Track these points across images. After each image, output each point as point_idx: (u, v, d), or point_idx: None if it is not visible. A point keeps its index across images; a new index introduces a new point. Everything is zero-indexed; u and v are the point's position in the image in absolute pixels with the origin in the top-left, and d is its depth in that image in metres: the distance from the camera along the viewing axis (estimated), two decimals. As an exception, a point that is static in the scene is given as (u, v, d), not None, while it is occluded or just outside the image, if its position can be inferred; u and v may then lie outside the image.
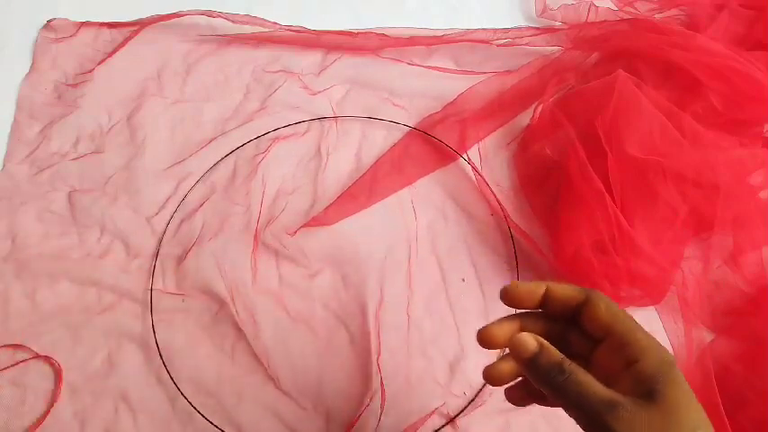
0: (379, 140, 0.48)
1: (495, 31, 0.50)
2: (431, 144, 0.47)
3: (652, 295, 0.41)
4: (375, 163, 0.46)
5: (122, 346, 0.39)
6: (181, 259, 0.42)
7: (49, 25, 0.51)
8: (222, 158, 0.46)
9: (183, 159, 0.46)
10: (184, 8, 0.51)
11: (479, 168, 0.46)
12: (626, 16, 0.51)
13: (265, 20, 0.50)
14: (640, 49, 0.48)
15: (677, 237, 0.42)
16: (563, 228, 0.42)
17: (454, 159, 0.47)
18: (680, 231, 0.42)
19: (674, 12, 0.52)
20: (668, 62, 0.47)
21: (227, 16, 0.50)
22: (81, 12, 0.52)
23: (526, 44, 0.50)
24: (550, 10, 0.52)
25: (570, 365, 0.24)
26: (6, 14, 0.52)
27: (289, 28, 0.51)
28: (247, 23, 0.50)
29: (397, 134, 0.48)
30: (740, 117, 0.45)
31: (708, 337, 0.42)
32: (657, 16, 0.52)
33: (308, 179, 0.46)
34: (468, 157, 0.46)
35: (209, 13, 0.50)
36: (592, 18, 0.51)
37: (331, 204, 0.44)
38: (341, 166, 0.47)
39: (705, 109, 0.45)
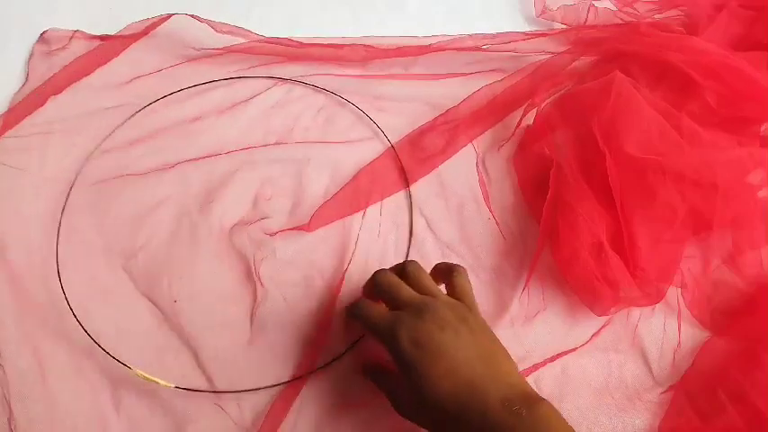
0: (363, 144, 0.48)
1: (484, 36, 0.50)
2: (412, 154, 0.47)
3: (651, 295, 0.41)
4: (357, 173, 0.46)
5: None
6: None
7: (42, 38, 0.50)
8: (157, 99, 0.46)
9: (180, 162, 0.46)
10: (179, 11, 0.50)
11: (481, 174, 0.47)
12: (625, 17, 0.51)
13: (250, 31, 0.49)
14: (633, 52, 0.48)
15: (676, 236, 0.42)
16: (560, 229, 0.42)
17: (426, 174, 0.47)
18: (679, 231, 0.42)
19: (673, 12, 0.52)
20: (662, 63, 0.47)
21: (210, 23, 0.49)
22: (77, 21, 0.51)
23: (513, 50, 0.50)
24: (550, 10, 0.52)
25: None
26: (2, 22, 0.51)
27: (274, 40, 0.49)
28: (229, 33, 0.49)
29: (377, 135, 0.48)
30: (736, 114, 0.45)
31: (706, 336, 0.42)
32: (657, 16, 0.51)
33: (290, 181, 0.46)
34: (410, 193, 0.46)
35: (196, 18, 0.49)
36: (591, 18, 0.51)
37: (315, 213, 0.44)
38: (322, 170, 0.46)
39: (701, 108, 0.45)
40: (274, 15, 0.53)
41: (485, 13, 0.54)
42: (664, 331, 0.42)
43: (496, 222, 0.45)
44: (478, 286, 0.42)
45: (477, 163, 0.47)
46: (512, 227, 0.45)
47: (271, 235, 0.43)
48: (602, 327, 0.42)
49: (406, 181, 0.46)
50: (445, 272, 0.37)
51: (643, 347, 0.41)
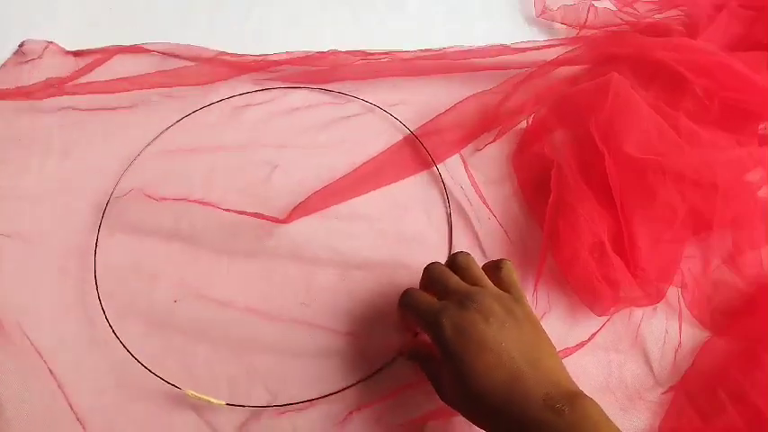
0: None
1: (471, 50, 0.49)
2: (410, 151, 0.47)
3: (651, 295, 0.41)
4: (359, 167, 0.46)
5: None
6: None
7: (20, 51, 0.49)
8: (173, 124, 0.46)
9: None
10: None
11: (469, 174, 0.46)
12: (625, 17, 0.51)
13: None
14: (624, 54, 0.48)
15: (676, 236, 0.42)
16: (561, 230, 0.42)
17: (429, 168, 0.47)
18: (679, 231, 0.42)
19: (673, 12, 0.51)
20: (653, 63, 0.47)
21: (187, 53, 0.48)
22: (78, 21, 0.51)
23: (503, 66, 0.49)
24: (550, 10, 0.52)
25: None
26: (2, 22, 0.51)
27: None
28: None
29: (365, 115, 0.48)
30: (730, 107, 0.45)
31: (707, 336, 0.42)
32: (657, 16, 0.51)
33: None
34: (439, 172, 0.46)
35: (172, 51, 0.48)
36: (591, 18, 0.51)
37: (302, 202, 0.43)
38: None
39: (695, 106, 0.45)
40: (274, 15, 0.53)
41: (485, 12, 0.54)
42: (665, 331, 0.42)
43: (498, 222, 0.45)
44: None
45: (464, 167, 0.47)
46: (513, 227, 0.45)
47: (239, 213, 0.42)
48: (603, 325, 0.42)
49: (429, 164, 0.46)
50: (492, 268, 0.37)
51: (644, 347, 0.41)
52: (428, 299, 0.35)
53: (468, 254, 0.37)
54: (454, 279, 0.35)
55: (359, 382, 0.39)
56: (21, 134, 0.46)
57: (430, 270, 0.36)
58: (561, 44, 0.50)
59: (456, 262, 0.36)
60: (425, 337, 0.37)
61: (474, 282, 0.35)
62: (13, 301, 0.40)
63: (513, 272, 0.36)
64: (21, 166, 0.44)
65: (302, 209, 0.43)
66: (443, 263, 0.37)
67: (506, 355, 0.31)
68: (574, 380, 0.40)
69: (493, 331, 0.31)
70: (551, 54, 0.49)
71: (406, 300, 0.36)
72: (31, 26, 0.50)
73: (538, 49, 0.49)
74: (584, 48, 0.49)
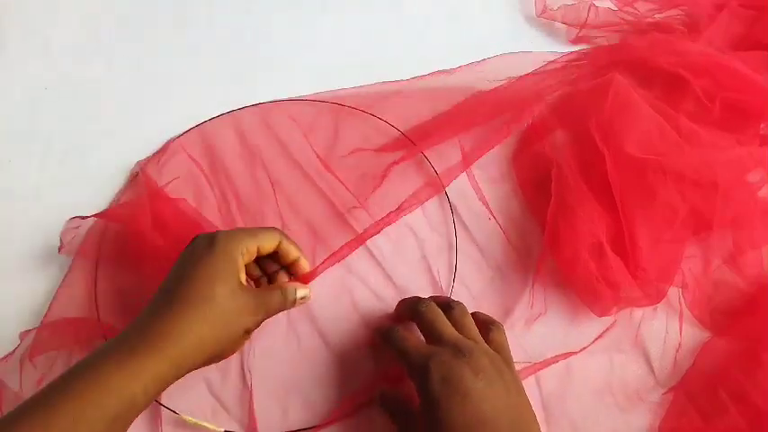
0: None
1: (450, 72, 0.49)
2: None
3: (651, 296, 0.41)
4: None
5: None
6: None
7: None
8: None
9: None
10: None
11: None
12: (626, 16, 0.51)
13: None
14: (622, 59, 0.48)
15: (677, 236, 0.42)
16: (561, 230, 0.42)
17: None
18: (679, 231, 0.42)
19: (674, 12, 0.51)
20: (651, 67, 0.47)
21: None
22: (78, 21, 0.51)
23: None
24: (550, 10, 0.52)
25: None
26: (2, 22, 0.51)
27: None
28: None
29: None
30: (730, 107, 0.45)
31: (707, 336, 0.42)
32: (657, 16, 0.51)
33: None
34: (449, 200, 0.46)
35: None
36: (591, 18, 0.51)
37: None
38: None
39: (696, 106, 0.45)
40: (275, 15, 0.53)
41: (485, 12, 0.54)
42: (666, 332, 0.42)
43: (498, 223, 0.45)
44: (482, 285, 0.43)
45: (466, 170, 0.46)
46: (513, 227, 0.45)
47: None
48: (607, 329, 0.42)
49: (439, 187, 0.45)
50: (483, 323, 0.36)
51: (645, 347, 0.41)
52: (417, 342, 0.34)
53: (464, 306, 0.36)
54: (449, 328, 0.34)
55: (357, 405, 0.38)
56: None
57: (422, 309, 0.35)
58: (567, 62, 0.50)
59: (452, 313, 0.36)
60: (404, 388, 0.37)
61: (467, 335, 0.34)
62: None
63: (503, 335, 0.36)
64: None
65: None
66: (429, 299, 0.37)
67: (490, 415, 0.30)
68: (574, 379, 0.40)
69: (480, 386, 0.31)
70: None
71: (392, 339, 0.35)
72: (30, 26, 0.50)
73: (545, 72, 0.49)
74: (587, 65, 0.49)
